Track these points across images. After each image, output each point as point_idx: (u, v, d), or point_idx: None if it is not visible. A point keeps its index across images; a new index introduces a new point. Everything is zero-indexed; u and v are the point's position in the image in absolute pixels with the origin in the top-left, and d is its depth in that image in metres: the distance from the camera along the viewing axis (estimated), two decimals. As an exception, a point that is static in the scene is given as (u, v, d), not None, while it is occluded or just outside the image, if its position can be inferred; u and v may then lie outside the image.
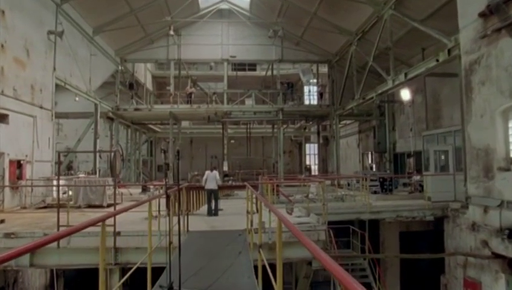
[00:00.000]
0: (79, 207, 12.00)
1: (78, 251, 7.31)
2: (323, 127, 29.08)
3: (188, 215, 7.54)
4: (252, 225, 6.01)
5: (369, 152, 26.47)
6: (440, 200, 11.55)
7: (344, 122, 27.84)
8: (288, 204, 10.18)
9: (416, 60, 18.28)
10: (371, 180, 14.13)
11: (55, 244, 6.98)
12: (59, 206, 7.17)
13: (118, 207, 10.95)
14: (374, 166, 25.94)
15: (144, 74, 28.49)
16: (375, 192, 14.27)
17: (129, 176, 25.22)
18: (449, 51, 11.33)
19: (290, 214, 9.46)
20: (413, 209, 11.55)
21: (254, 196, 6.14)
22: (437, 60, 11.94)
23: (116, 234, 7.18)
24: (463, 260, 10.21)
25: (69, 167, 26.06)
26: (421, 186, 14.40)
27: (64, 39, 15.25)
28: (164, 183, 4.71)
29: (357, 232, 13.54)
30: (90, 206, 12.12)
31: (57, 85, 15.88)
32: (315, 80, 27.70)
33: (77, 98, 19.65)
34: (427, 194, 11.65)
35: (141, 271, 6.65)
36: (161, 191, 12.70)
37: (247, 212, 6.85)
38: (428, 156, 14.20)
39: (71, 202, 12.27)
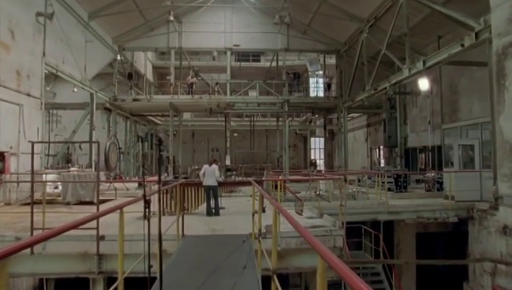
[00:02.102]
0: (68, 203, 11.03)
1: (56, 258, 6.32)
2: (329, 120, 27.98)
3: (183, 216, 6.50)
4: (260, 234, 4.96)
5: (378, 147, 25.37)
6: (464, 199, 10.47)
7: (351, 115, 26.73)
8: (297, 203, 9.14)
9: (431, 49, 17.17)
10: (383, 176, 13.08)
11: (28, 250, 5.99)
12: (33, 204, 6.17)
13: (112, 203, 9.89)
14: (381, 161, 24.87)
15: (144, 64, 27.41)
16: (389, 189, 13.21)
17: (128, 170, 24.28)
18: (477, 35, 10.18)
19: (300, 214, 8.43)
20: (435, 210, 10.44)
21: (260, 195, 5.11)
22: (462, 45, 10.78)
23: (100, 238, 6.17)
24: (491, 267, 9.17)
25: (68, 160, 25.13)
26: (439, 183, 13.33)
27: (56, 23, 14.20)
28: (142, 180, 3.67)
29: (369, 233, 12.53)
30: (80, 202, 11.14)
31: (55, 75, 14.95)
32: (321, 72, 26.56)
33: (76, 89, 18.66)
34: (450, 193, 10.50)
35: (132, 281, 5.70)
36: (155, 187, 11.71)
37: (253, 215, 5.82)
38: (448, 151, 13.08)
39: (59, 198, 11.36)
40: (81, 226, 2.81)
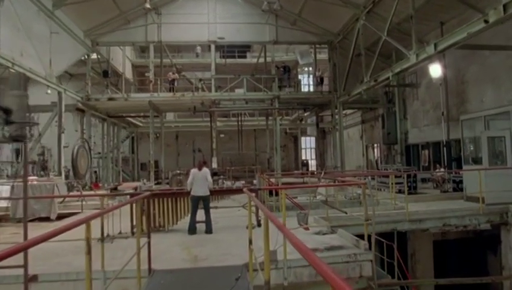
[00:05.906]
0: (19, 221, 9.06)
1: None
2: (320, 118, 26.39)
3: (149, 243, 4.62)
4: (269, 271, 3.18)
5: (374, 144, 23.88)
6: (495, 202, 8.84)
7: (344, 112, 25.16)
8: (300, 213, 7.39)
9: (433, 36, 15.74)
10: (395, 176, 11.45)
11: None
12: None
13: (78, 218, 7.88)
14: (378, 160, 23.39)
15: (123, 62, 25.32)
16: (399, 191, 11.60)
17: (106, 176, 22.28)
18: (505, 7, 8.60)
19: (307, 229, 6.70)
20: (464, 216, 8.75)
21: (265, 220, 3.35)
22: (486, 21, 9.17)
23: (30, 279, 4.33)
24: (536, 284, 7.60)
25: (44, 167, 23.00)
26: (455, 182, 11.76)
27: (11, 8, 12.22)
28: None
29: (379, 243, 10.83)
30: (35, 219, 9.19)
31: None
32: (313, 65, 24.93)
33: (49, 91, 16.57)
34: (480, 195, 8.71)
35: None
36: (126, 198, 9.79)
37: (250, 242, 4.04)
38: (469, 146, 11.51)
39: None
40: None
